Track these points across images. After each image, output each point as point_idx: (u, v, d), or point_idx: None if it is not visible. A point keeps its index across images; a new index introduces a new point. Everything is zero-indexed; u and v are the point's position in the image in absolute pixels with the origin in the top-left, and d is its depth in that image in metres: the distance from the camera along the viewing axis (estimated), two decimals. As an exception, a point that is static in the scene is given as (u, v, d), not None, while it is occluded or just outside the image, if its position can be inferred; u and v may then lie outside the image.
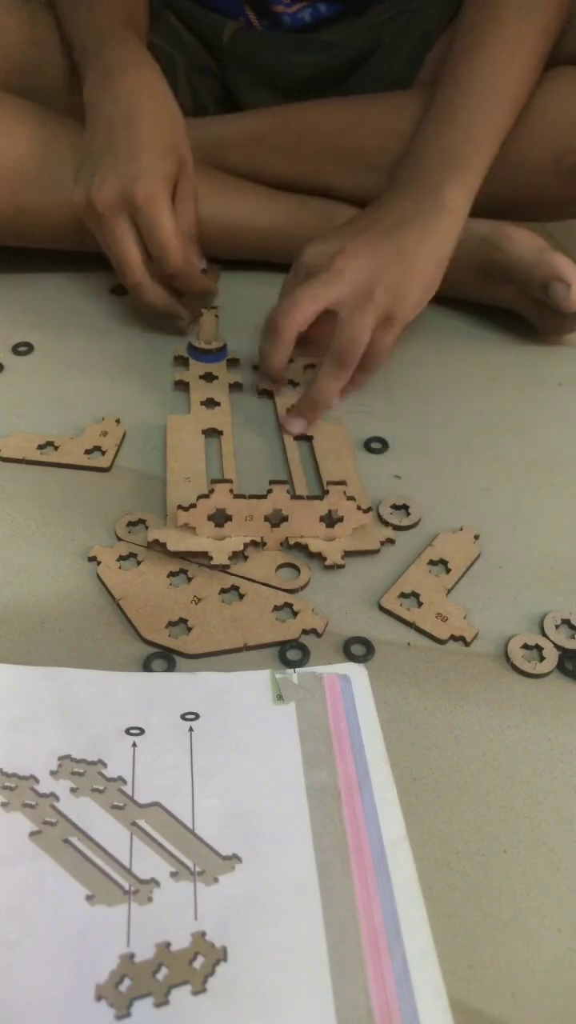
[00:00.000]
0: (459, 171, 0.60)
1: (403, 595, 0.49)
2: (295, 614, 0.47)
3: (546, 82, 0.66)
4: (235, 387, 0.64)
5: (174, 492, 0.53)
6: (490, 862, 0.38)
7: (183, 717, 0.42)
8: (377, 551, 0.51)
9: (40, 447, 0.58)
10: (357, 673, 0.45)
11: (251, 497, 0.49)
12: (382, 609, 0.48)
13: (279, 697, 0.43)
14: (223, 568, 0.49)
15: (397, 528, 0.54)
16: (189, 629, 0.46)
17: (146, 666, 0.44)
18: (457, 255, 0.68)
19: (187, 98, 0.77)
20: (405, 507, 0.54)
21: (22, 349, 0.67)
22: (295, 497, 0.50)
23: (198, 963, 0.33)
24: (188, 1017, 0.32)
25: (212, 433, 0.59)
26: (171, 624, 0.46)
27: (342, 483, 0.50)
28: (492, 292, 0.71)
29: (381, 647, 0.46)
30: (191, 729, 0.41)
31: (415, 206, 0.59)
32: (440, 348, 0.70)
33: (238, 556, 0.49)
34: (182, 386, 0.63)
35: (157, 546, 0.49)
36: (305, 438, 0.60)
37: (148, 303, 0.65)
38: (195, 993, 0.32)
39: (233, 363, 0.66)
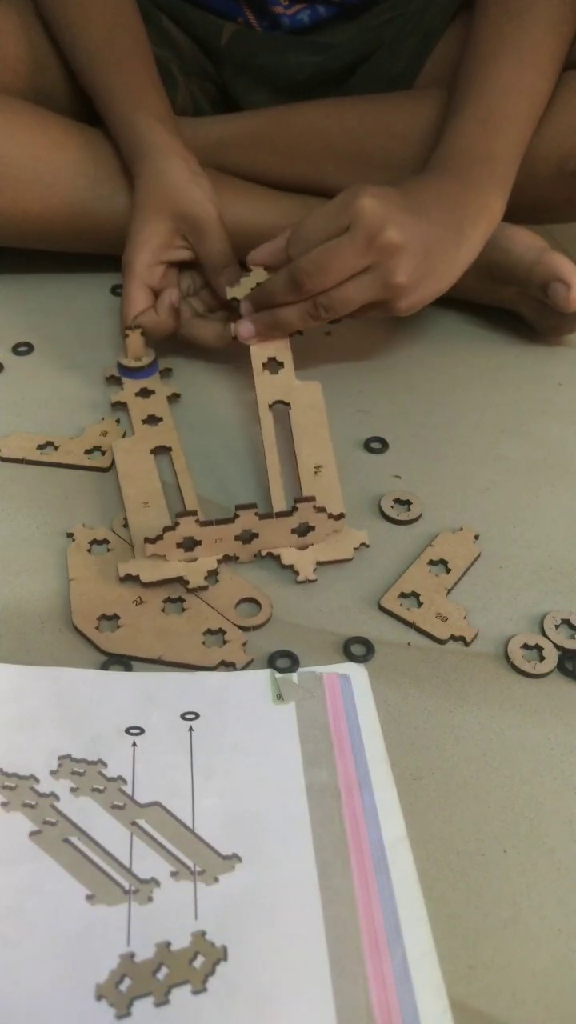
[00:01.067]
0: (500, 177, 0.60)
1: (403, 595, 0.49)
2: (224, 642, 0.46)
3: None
4: (174, 398, 0.62)
5: (136, 520, 0.51)
6: (490, 862, 0.38)
7: (183, 717, 0.42)
8: (351, 559, 0.50)
9: (40, 447, 0.58)
10: (357, 673, 0.45)
11: (219, 523, 0.48)
12: (382, 609, 0.48)
13: (279, 697, 0.43)
14: (200, 589, 0.48)
15: (398, 523, 0.54)
16: (118, 627, 0.46)
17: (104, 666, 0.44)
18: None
19: (186, 101, 0.77)
20: (407, 502, 0.54)
21: (22, 349, 0.67)
22: (264, 516, 0.48)
23: (198, 962, 0.33)
24: (188, 1017, 0.32)
25: (161, 451, 0.57)
26: (104, 617, 0.46)
27: (311, 499, 0.49)
28: (492, 292, 0.71)
29: (381, 647, 0.46)
30: (191, 729, 0.41)
31: (461, 207, 0.58)
32: (440, 348, 0.70)
33: (212, 575, 0.49)
34: (120, 407, 0.61)
35: (130, 579, 0.48)
36: (282, 405, 0.57)
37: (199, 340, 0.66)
38: (195, 992, 0.32)
39: (167, 373, 0.65)
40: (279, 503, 0.52)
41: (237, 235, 0.69)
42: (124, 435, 0.59)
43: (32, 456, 0.57)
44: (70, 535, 0.51)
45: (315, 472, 0.53)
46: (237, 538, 0.49)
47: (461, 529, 0.53)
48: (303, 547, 0.50)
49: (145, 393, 0.62)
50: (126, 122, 0.66)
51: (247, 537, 0.49)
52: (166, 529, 0.47)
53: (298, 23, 0.75)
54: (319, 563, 0.50)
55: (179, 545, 0.48)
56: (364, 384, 0.65)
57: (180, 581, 0.48)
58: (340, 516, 0.50)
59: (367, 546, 0.51)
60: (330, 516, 0.49)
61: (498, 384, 0.67)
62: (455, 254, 0.58)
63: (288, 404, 0.57)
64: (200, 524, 0.47)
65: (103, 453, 0.58)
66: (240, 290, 0.61)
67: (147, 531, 0.49)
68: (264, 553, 0.50)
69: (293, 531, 0.50)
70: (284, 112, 0.74)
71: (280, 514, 0.49)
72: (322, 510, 0.49)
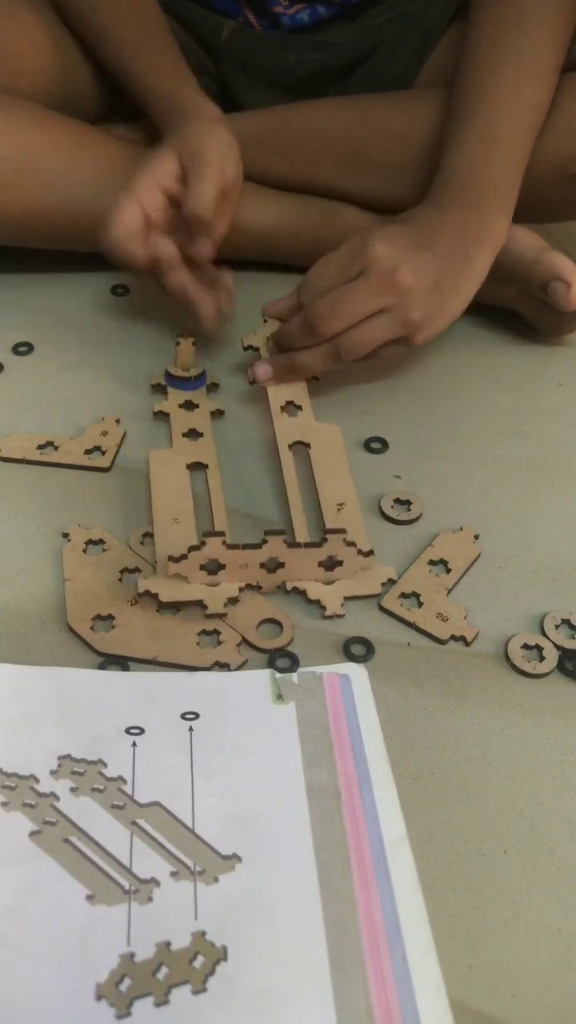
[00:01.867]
0: (503, 197, 0.61)
1: (403, 595, 0.49)
2: (219, 643, 0.46)
3: None
4: (217, 414, 0.61)
5: (162, 535, 0.50)
6: (490, 862, 0.38)
7: (183, 716, 0.42)
8: (378, 595, 0.49)
9: (40, 447, 0.58)
10: (357, 673, 0.45)
11: (245, 547, 0.46)
12: (382, 609, 0.48)
13: (279, 697, 0.43)
14: (218, 616, 0.47)
15: (398, 523, 0.54)
16: (112, 627, 0.46)
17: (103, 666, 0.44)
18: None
19: None
20: (407, 502, 0.54)
21: (22, 349, 0.67)
22: (292, 545, 0.47)
23: (198, 962, 0.33)
24: (188, 1017, 0.32)
25: (197, 467, 0.56)
26: (98, 618, 0.46)
27: (342, 531, 0.47)
28: (492, 292, 0.70)
29: (381, 647, 0.46)
30: (191, 729, 0.41)
31: (466, 233, 0.59)
32: (440, 348, 0.70)
33: (232, 602, 0.47)
34: (162, 416, 0.60)
35: (149, 596, 0.47)
36: (301, 445, 0.58)
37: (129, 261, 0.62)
38: (195, 992, 0.32)
39: (213, 389, 0.64)
40: (302, 537, 0.51)
41: (237, 235, 0.69)
42: (170, 442, 0.58)
43: (32, 456, 0.57)
44: (65, 535, 0.51)
45: (338, 509, 0.52)
46: (263, 566, 0.47)
47: (461, 529, 0.53)
48: (328, 582, 0.49)
49: (189, 406, 0.61)
50: (174, 95, 0.67)
51: (272, 566, 0.48)
52: (191, 549, 0.46)
53: (298, 22, 0.75)
54: (346, 598, 0.48)
55: (202, 567, 0.47)
56: (364, 384, 0.65)
57: (199, 605, 0.47)
58: (370, 553, 0.48)
59: (394, 582, 0.49)
60: (360, 552, 0.48)
61: (498, 384, 0.67)
62: (465, 282, 0.59)
63: (308, 444, 0.58)
64: (227, 547, 0.46)
65: (103, 453, 0.58)
66: (256, 338, 0.63)
67: (172, 549, 0.48)
68: (290, 587, 0.48)
69: (320, 564, 0.48)
70: (284, 112, 0.74)
71: (309, 544, 0.47)
72: (352, 544, 0.48)
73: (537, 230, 0.68)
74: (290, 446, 0.57)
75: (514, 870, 0.37)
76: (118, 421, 0.60)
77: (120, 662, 0.44)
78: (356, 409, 0.63)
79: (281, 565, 0.48)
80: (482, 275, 0.60)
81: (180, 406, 0.61)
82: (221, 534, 0.46)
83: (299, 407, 0.60)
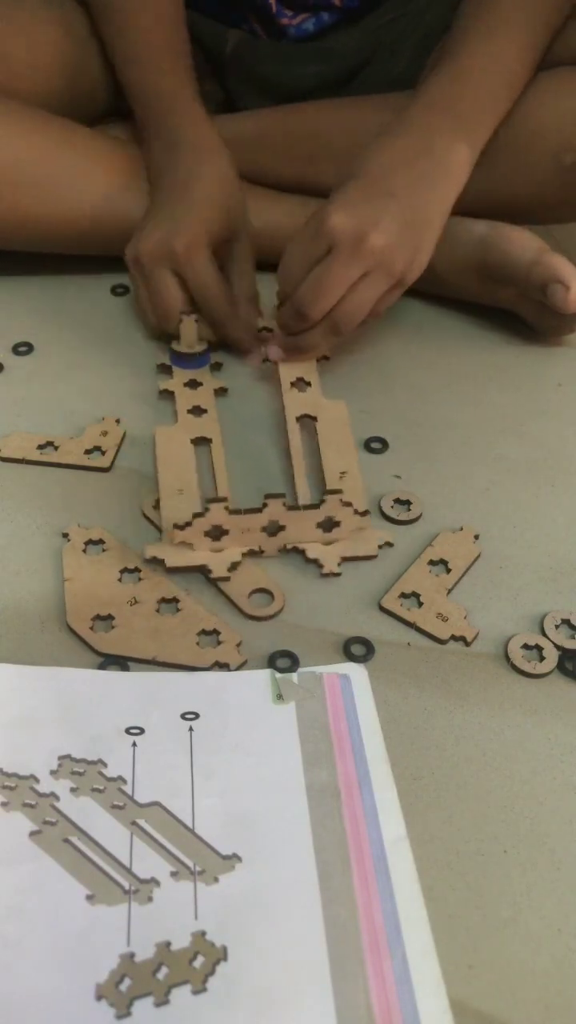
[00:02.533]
0: (466, 127, 0.60)
1: (403, 595, 0.49)
2: (219, 643, 0.46)
3: (545, 81, 0.66)
4: (221, 392, 0.63)
5: (168, 505, 0.52)
6: (490, 862, 0.38)
7: (183, 717, 0.42)
8: (375, 556, 0.51)
9: (40, 447, 0.58)
10: (357, 673, 0.45)
11: (247, 512, 0.49)
12: (382, 609, 0.48)
13: (279, 697, 0.43)
14: (222, 579, 0.48)
15: (398, 523, 0.54)
16: (112, 627, 0.46)
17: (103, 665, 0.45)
18: (456, 256, 0.68)
19: None
20: (407, 502, 0.55)
21: (22, 349, 0.67)
22: (291, 508, 0.49)
23: (198, 962, 0.33)
24: (188, 1016, 0.32)
25: (201, 442, 0.58)
26: (98, 618, 0.46)
27: (338, 491, 0.50)
28: (491, 293, 0.71)
29: (381, 647, 0.46)
30: (191, 729, 0.41)
31: (423, 162, 0.59)
32: (440, 348, 0.70)
33: (235, 567, 0.49)
34: (167, 395, 0.62)
35: (155, 562, 0.49)
36: (309, 419, 0.59)
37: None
38: (195, 992, 0.32)
39: (217, 367, 0.65)
40: (304, 499, 0.53)
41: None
42: (176, 420, 0.60)
43: (32, 456, 0.57)
44: (65, 535, 0.51)
45: (340, 477, 0.54)
46: (264, 530, 0.49)
47: (461, 529, 0.53)
48: (328, 543, 0.51)
49: (193, 384, 0.63)
50: (195, 116, 0.67)
51: (273, 529, 0.50)
52: (195, 516, 0.48)
53: (303, 32, 0.75)
54: (343, 559, 0.50)
55: (206, 534, 0.49)
56: (364, 384, 0.65)
57: (203, 570, 0.49)
58: (366, 513, 0.50)
59: (391, 545, 0.51)
60: (356, 512, 0.50)
61: (498, 384, 0.67)
62: (434, 212, 0.59)
63: (315, 418, 0.59)
64: (229, 513, 0.48)
65: (103, 453, 0.57)
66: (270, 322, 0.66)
67: (178, 518, 0.49)
68: (289, 547, 0.50)
69: (319, 525, 0.50)
70: (284, 112, 0.74)
71: (308, 506, 0.50)
72: (349, 504, 0.50)
73: (538, 231, 0.68)
74: (297, 419, 0.59)
75: (514, 870, 0.37)
76: (118, 421, 0.60)
77: (120, 662, 0.44)
78: (356, 409, 0.63)
79: (282, 528, 0.50)
80: (450, 201, 0.60)
81: (185, 385, 0.62)
82: (224, 500, 0.48)
83: (308, 383, 0.61)
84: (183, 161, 0.65)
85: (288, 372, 0.62)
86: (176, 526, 0.48)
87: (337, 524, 0.50)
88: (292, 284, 0.58)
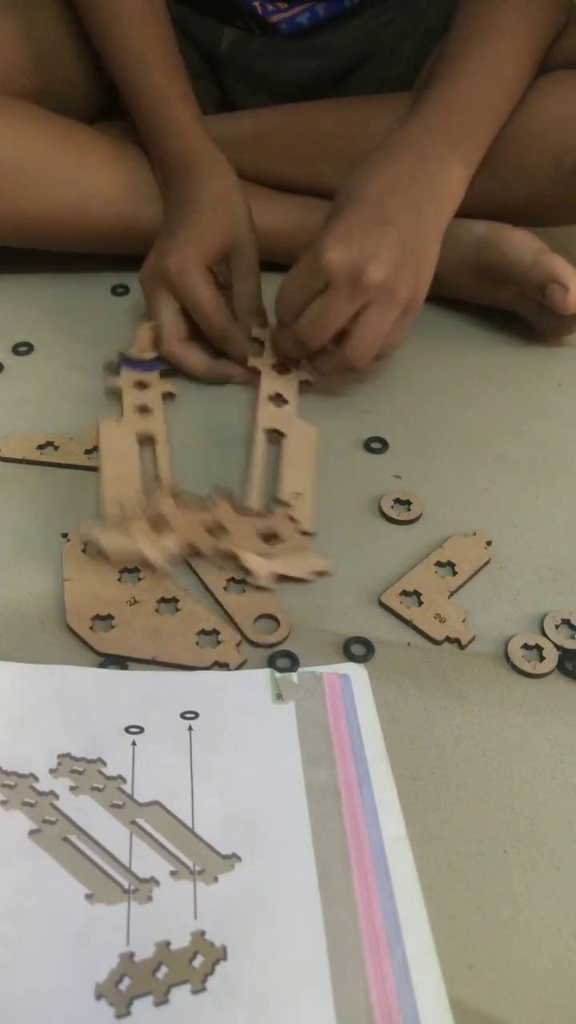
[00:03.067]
0: (463, 151, 0.60)
1: (404, 593, 0.49)
2: (218, 643, 0.46)
3: (544, 84, 0.66)
4: (168, 396, 0.62)
5: (109, 493, 0.52)
6: (490, 862, 0.38)
7: (182, 716, 0.42)
8: (308, 581, 0.49)
9: (40, 447, 0.58)
10: (357, 673, 0.45)
11: (195, 501, 0.48)
12: (382, 605, 0.48)
13: (278, 696, 0.43)
14: (159, 572, 0.48)
15: (398, 523, 0.54)
16: (112, 627, 0.46)
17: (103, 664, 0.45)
18: (455, 257, 0.69)
19: None
20: (407, 502, 0.54)
21: (22, 349, 0.67)
22: (240, 509, 0.49)
23: (198, 962, 0.33)
24: (188, 1016, 0.32)
25: (146, 441, 0.58)
26: (97, 618, 0.46)
27: (287, 504, 0.49)
28: (491, 294, 0.71)
29: (381, 647, 0.46)
30: (190, 728, 0.41)
31: (425, 185, 0.58)
32: (440, 348, 0.70)
33: (173, 560, 0.49)
34: (113, 395, 0.62)
35: (92, 548, 0.49)
36: (277, 435, 0.58)
37: (189, 370, 0.64)
38: (195, 992, 0.32)
39: (167, 374, 0.64)
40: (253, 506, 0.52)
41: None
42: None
43: (32, 456, 0.57)
44: (65, 535, 0.51)
45: (294, 497, 0.53)
46: (207, 528, 0.49)
47: (475, 534, 0.53)
48: (264, 555, 0.50)
49: (141, 386, 0.62)
50: (186, 128, 0.66)
51: (216, 531, 0.49)
52: (143, 501, 0.48)
53: (296, 26, 0.75)
54: (277, 575, 0.49)
55: (150, 522, 0.48)
56: (364, 384, 0.65)
57: (141, 560, 0.48)
58: (310, 534, 0.50)
59: (328, 574, 0.50)
60: (300, 531, 0.49)
61: (498, 384, 0.67)
62: (430, 231, 0.59)
63: (283, 435, 0.58)
64: (176, 499, 0.48)
65: (103, 453, 0.58)
66: (263, 333, 0.65)
67: (118, 505, 0.49)
68: (226, 551, 0.49)
69: (261, 535, 0.49)
70: (283, 112, 0.74)
71: (258, 513, 0.49)
72: (294, 520, 0.49)
73: (538, 232, 0.68)
74: (266, 432, 0.58)
75: (514, 870, 0.37)
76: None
77: (119, 662, 0.44)
78: (356, 409, 0.63)
79: (224, 531, 0.49)
80: (446, 221, 0.60)
81: (132, 386, 0.62)
82: (173, 490, 0.47)
83: (286, 401, 0.61)
84: (178, 181, 0.65)
85: (268, 385, 0.61)
86: (120, 506, 0.48)
87: (277, 538, 0.49)
88: (291, 315, 0.58)
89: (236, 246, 0.64)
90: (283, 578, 0.49)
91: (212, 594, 0.48)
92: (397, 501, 0.55)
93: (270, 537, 0.49)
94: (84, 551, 0.50)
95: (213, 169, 0.65)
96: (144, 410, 0.60)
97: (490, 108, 0.62)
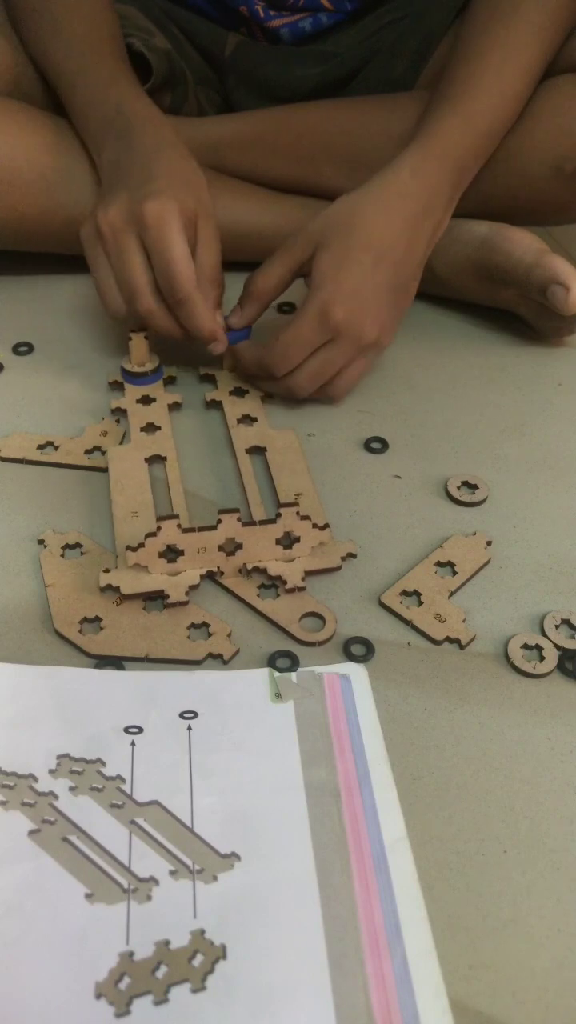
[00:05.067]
0: (459, 178, 0.61)
1: (404, 593, 0.49)
2: (209, 635, 0.46)
3: (546, 90, 0.66)
4: (175, 407, 0.62)
5: (122, 529, 0.50)
6: (490, 862, 0.38)
7: (181, 716, 0.42)
8: (339, 568, 0.50)
9: (40, 447, 0.58)
10: (357, 673, 0.44)
11: (201, 529, 0.47)
12: (381, 604, 0.48)
13: (277, 696, 0.43)
14: (180, 604, 0.47)
15: (464, 505, 0.55)
16: (101, 629, 0.46)
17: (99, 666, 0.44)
18: (457, 256, 0.69)
19: (193, 109, 0.77)
20: (475, 486, 0.56)
21: (22, 349, 0.67)
22: (247, 524, 0.47)
23: (197, 961, 0.33)
24: (188, 1015, 0.32)
25: (156, 460, 0.57)
26: (85, 620, 0.46)
27: (294, 504, 0.48)
28: (491, 294, 0.71)
29: (381, 647, 0.46)
30: (189, 728, 0.41)
31: (417, 214, 0.59)
32: (440, 348, 0.70)
33: (195, 590, 0.47)
34: (119, 413, 0.61)
35: (111, 591, 0.47)
36: (258, 451, 0.58)
37: (161, 330, 0.59)
38: (195, 991, 0.32)
39: (171, 381, 0.64)
40: (260, 517, 0.52)
41: (235, 236, 0.69)
42: (122, 441, 0.59)
43: (32, 456, 0.57)
44: (41, 541, 0.51)
45: (295, 497, 0.54)
46: (221, 548, 0.48)
47: (475, 534, 0.53)
48: (289, 560, 0.49)
49: (146, 400, 0.61)
50: (127, 105, 0.63)
51: (231, 548, 0.48)
52: (148, 536, 0.46)
53: (299, 32, 0.75)
54: (307, 572, 0.49)
55: (161, 555, 0.47)
56: (364, 384, 0.65)
57: (161, 595, 0.47)
58: (324, 526, 0.49)
59: (354, 556, 0.50)
60: (315, 526, 0.48)
61: (498, 384, 0.67)
62: (411, 271, 0.61)
63: (264, 448, 0.58)
64: (182, 531, 0.46)
65: (103, 453, 0.57)
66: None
67: (132, 541, 0.48)
68: (250, 567, 0.49)
69: (278, 542, 0.49)
70: (283, 113, 0.74)
71: (264, 521, 0.48)
72: (306, 518, 0.48)
73: (539, 233, 0.68)
74: (247, 450, 0.58)
75: (514, 870, 0.37)
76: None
77: (114, 662, 0.44)
78: (356, 409, 0.63)
79: (239, 546, 0.48)
80: (424, 258, 0.61)
81: (137, 401, 0.61)
82: (175, 517, 0.46)
83: (255, 419, 0.61)
84: (133, 134, 0.61)
85: (233, 410, 0.61)
86: (129, 548, 0.46)
87: (297, 540, 0.49)
88: (288, 369, 0.59)
89: (201, 212, 0.59)
90: (309, 573, 0.49)
91: (250, 605, 0.48)
92: (464, 484, 0.55)
93: (290, 541, 0.49)
94: (63, 556, 0.50)
95: (172, 134, 0.62)
96: (152, 427, 0.59)
97: (492, 133, 0.63)
